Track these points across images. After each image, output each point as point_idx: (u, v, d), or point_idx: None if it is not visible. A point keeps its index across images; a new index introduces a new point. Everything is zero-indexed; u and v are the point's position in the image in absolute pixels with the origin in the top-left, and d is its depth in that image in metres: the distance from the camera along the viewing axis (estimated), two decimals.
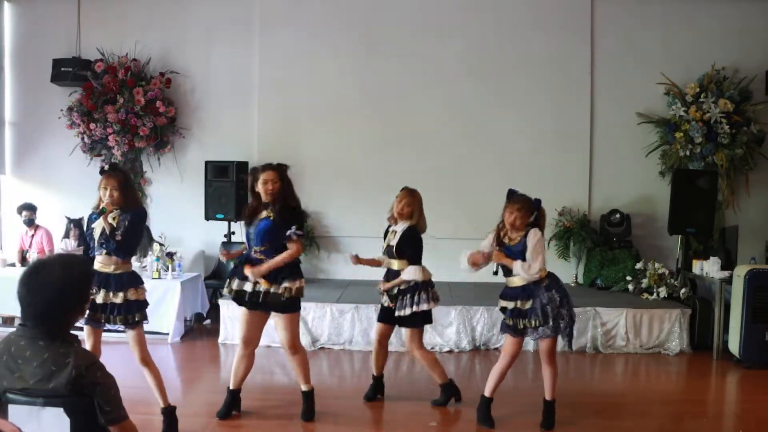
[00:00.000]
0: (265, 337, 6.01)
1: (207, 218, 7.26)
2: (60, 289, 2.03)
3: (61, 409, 2.01)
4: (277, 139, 7.52)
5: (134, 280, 3.84)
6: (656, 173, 7.34)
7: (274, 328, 4.18)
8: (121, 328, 3.85)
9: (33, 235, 6.83)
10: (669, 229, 6.76)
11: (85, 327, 3.84)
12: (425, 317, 4.41)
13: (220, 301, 6.26)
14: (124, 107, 7.23)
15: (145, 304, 3.89)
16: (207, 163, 7.25)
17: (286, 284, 3.98)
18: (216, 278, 7.23)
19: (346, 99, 7.53)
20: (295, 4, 7.58)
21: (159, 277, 6.22)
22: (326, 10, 7.55)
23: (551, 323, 3.86)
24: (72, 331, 2.15)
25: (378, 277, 7.62)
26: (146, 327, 3.87)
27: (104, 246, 3.74)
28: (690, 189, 6.63)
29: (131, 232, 3.78)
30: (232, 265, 6.98)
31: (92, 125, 7.25)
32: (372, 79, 7.51)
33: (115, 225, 3.75)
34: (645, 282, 6.47)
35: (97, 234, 3.78)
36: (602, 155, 7.39)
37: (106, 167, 3.94)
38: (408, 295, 4.33)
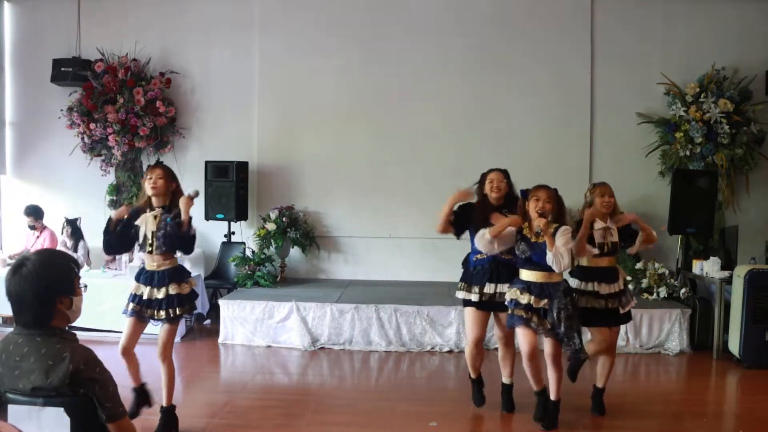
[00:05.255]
0: (265, 337, 6.07)
1: (207, 218, 7.26)
2: (36, 281, 2.05)
3: (62, 409, 2.01)
4: (276, 140, 7.54)
5: (176, 276, 3.86)
6: (656, 173, 7.33)
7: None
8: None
9: (38, 236, 6.84)
10: (669, 229, 6.75)
11: (129, 320, 3.87)
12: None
13: (220, 301, 6.26)
14: (124, 107, 7.23)
15: (189, 297, 3.91)
16: (207, 163, 7.25)
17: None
18: (216, 278, 7.23)
19: (346, 98, 7.53)
20: (295, 5, 7.58)
21: None
22: (326, 10, 7.54)
23: (563, 330, 3.75)
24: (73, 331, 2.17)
25: (378, 277, 7.66)
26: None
27: (151, 245, 3.79)
28: (690, 189, 6.62)
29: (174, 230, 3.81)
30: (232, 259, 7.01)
31: (92, 125, 7.25)
32: (371, 79, 7.51)
33: (157, 224, 3.79)
34: (645, 282, 6.47)
35: (141, 234, 3.82)
36: (602, 155, 7.39)
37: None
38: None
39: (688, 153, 7.06)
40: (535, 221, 3.72)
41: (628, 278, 6.60)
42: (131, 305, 3.86)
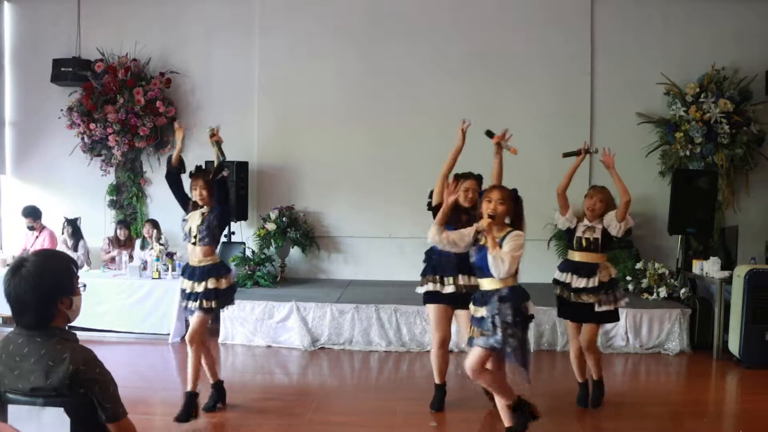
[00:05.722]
0: (265, 337, 6.07)
1: None
2: (36, 282, 2.05)
3: (62, 409, 2.01)
4: (276, 140, 7.53)
5: (214, 271, 4.21)
6: (656, 173, 7.34)
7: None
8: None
9: (37, 236, 6.83)
10: (669, 229, 6.76)
11: (191, 318, 4.24)
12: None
13: None
14: (124, 107, 7.23)
15: (225, 292, 4.24)
16: (207, 163, 7.23)
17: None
18: None
19: (346, 99, 7.53)
20: (295, 6, 7.58)
21: (159, 277, 6.22)
22: (326, 10, 7.55)
23: (499, 336, 3.33)
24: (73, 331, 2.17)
25: (378, 277, 7.64)
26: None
27: (195, 237, 4.18)
28: (690, 189, 6.62)
29: (219, 223, 4.25)
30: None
31: (92, 125, 7.25)
32: (371, 79, 7.51)
33: (202, 219, 4.19)
34: (645, 282, 6.47)
35: (188, 227, 4.23)
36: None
37: (193, 170, 4.29)
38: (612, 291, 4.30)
39: (688, 153, 7.06)
40: (482, 221, 3.41)
41: (628, 278, 6.61)
42: (187, 303, 4.22)
